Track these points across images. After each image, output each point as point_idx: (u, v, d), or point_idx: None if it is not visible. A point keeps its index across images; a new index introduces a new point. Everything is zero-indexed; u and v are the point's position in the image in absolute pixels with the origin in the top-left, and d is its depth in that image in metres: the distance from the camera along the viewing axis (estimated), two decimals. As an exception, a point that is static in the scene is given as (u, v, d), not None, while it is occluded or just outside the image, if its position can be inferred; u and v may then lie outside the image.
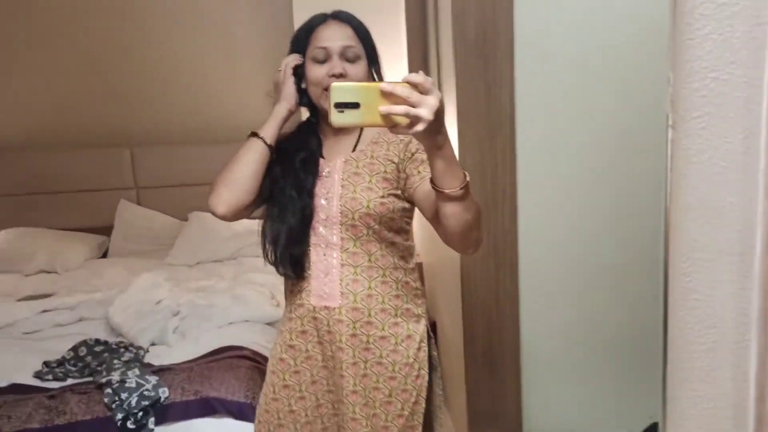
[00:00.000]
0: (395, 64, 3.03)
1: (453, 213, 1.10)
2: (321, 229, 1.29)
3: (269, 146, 1.29)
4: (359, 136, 1.33)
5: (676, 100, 0.55)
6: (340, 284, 1.29)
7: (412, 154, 1.27)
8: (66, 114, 3.36)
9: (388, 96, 0.91)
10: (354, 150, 1.32)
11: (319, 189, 1.30)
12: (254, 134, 1.29)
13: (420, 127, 0.92)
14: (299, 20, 1.38)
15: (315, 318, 1.32)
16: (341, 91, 0.93)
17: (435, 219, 1.19)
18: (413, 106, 0.92)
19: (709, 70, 0.54)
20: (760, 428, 0.62)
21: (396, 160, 1.28)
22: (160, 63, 3.35)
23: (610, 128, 1.88)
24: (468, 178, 1.07)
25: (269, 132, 1.29)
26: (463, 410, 2.10)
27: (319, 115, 1.36)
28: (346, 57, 1.26)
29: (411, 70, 2.81)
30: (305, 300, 1.32)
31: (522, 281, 1.97)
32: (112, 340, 2.16)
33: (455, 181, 1.05)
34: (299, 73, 1.32)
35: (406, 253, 1.34)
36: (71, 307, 2.44)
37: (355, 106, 0.92)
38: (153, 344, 2.18)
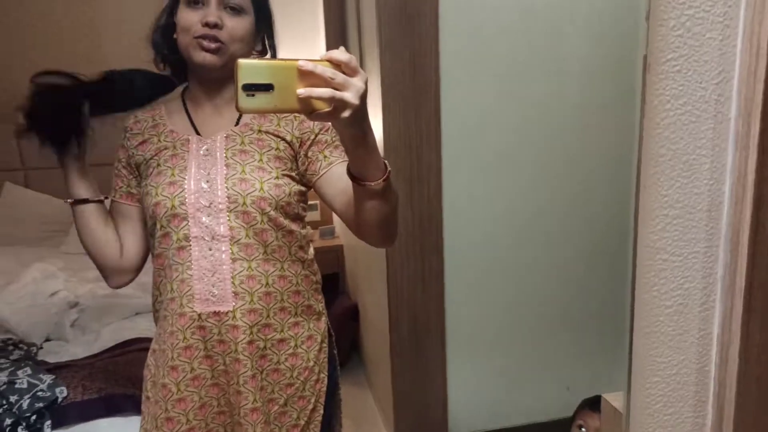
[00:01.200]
0: (311, 37, 2.92)
1: (373, 206, 0.98)
2: (204, 218, 1.08)
3: (84, 200, 1.13)
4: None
5: (652, 40, 0.50)
6: (233, 283, 1.09)
7: (316, 135, 1.13)
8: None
9: (307, 76, 0.78)
10: (237, 123, 1.14)
11: (198, 171, 1.09)
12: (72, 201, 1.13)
13: (345, 113, 0.79)
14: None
15: (201, 328, 1.10)
16: (251, 69, 0.77)
17: (346, 211, 1.07)
18: (336, 89, 0.78)
19: (686, 6, 0.49)
20: (722, 392, 0.59)
21: (289, 137, 1.12)
22: (52, 23, 3.02)
23: (539, 98, 1.88)
24: (389, 168, 0.95)
25: (74, 190, 1.12)
26: (388, 392, 2.06)
27: (187, 75, 1.17)
28: (226, 4, 1.07)
29: (328, 43, 2.70)
30: (187, 307, 1.10)
31: (447, 260, 1.94)
32: (-2, 337, 1.93)
33: (377, 172, 0.93)
34: (166, 25, 1.12)
35: (304, 242, 1.18)
36: (-52, 302, 2.16)
37: (268, 87, 0.77)
38: (48, 340, 1.96)
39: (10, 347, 1.85)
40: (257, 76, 0.77)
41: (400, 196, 1.83)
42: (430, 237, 1.91)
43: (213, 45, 1.06)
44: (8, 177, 3.01)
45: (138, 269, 1.22)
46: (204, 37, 1.06)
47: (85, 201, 1.14)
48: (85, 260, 2.67)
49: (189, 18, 1.07)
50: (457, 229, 1.92)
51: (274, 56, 1.17)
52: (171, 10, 1.12)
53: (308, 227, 1.22)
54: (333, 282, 3.02)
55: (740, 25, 0.49)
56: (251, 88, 0.77)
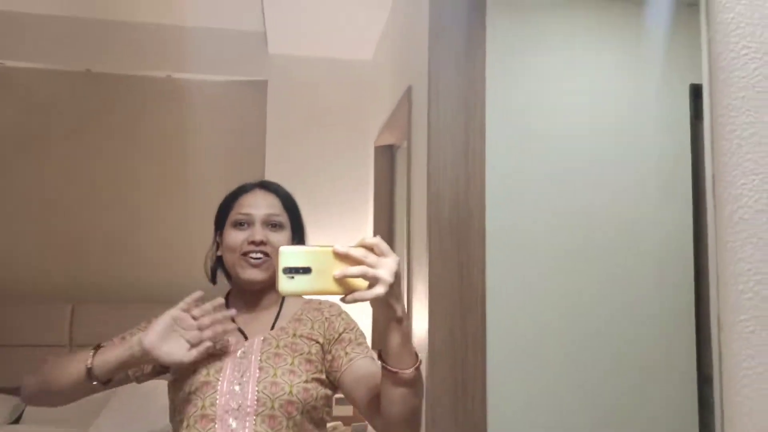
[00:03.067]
0: (360, 233, 3.09)
1: (401, 397, 0.97)
2: (230, 420, 1.07)
3: (95, 380, 1.07)
4: (279, 311, 1.22)
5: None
6: None
7: (339, 335, 1.17)
8: (8, 265, 3.19)
9: (343, 260, 0.85)
10: (273, 327, 1.19)
11: (232, 372, 1.11)
12: (95, 352, 1.09)
13: (380, 289, 0.84)
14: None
15: None
16: (291, 255, 0.85)
17: (369, 405, 1.06)
18: (371, 268, 0.84)
19: (752, 272, 0.53)
20: None
21: (321, 340, 1.16)
22: (116, 219, 3.30)
23: (582, 311, 1.88)
24: (420, 358, 0.97)
25: (104, 367, 1.07)
26: None
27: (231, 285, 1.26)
28: (269, 224, 1.20)
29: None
30: None
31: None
32: None
33: (410, 360, 0.95)
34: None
35: None
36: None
37: (307, 271, 0.84)
38: None
39: None
40: (296, 260, 0.84)
41: (443, 404, 1.78)
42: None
43: (260, 258, 1.17)
44: (52, 353, 3.06)
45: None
46: (251, 253, 1.17)
47: (104, 382, 1.09)
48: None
49: (236, 238, 1.18)
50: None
51: None
52: (216, 239, 1.26)
53: None
54: (363, 487, 2.80)
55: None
56: (291, 272, 0.84)
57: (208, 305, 1.10)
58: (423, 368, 1.18)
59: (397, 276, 0.86)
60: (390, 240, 2.88)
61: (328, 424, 1.20)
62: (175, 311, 1.09)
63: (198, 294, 1.11)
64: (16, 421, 2.88)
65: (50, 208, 3.26)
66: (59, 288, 3.20)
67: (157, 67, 3.23)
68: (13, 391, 2.96)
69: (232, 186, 1.29)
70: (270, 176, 3.15)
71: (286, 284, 0.84)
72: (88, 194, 3.30)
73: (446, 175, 1.87)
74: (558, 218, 1.89)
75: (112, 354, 1.08)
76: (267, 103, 3.19)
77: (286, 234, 1.22)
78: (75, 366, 1.08)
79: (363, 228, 3.08)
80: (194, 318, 1.08)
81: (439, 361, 1.81)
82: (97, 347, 1.11)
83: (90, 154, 3.31)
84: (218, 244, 1.25)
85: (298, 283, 0.84)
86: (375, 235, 2.88)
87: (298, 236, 1.26)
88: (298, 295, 1.14)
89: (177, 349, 1.06)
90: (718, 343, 0.53)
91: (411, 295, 2.14)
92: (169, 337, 1.06)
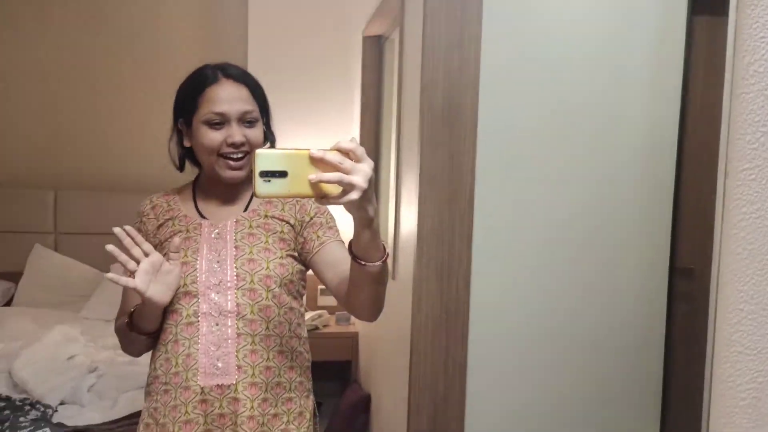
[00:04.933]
0: (345, 129, 3.07)
1: (368, 285, 1.05)
2: (213, 295, 1.16)
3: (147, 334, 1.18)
4: (251, 198, 1.25)
5: (731, 151, 0.57)
6: (237, 356, 1.15)
7: (311, 218, 1.22)
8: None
9: (318, 164, 0.85)
10: (246, 210, 1.24)
11: (209, 252, 1.18)
12: (131, 322, 1.17)
13: (354, 195, 0.86)
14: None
15: (204, 401, 1.14)
16: (267, 158, 0.85)
17: (337, 286, 1.15)
18: (345, 173, 0.85)
19: (760, 124, 0.56)
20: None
21: (292, 221, 1.22)
22: (96, 106, 3.21)
23: (570, 199, 1.94)
24: (388, 251, 1.03)
25: (147, 325, 1.17)
26: (403, 488, 1.98)
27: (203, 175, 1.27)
28: (244, 121, 1.18)
29: (362, 135, 2.84)
30: (192, 381, 1.14)
31: (471, 353, 1.94)
32: (15, 396, 1.91)
33: (377, 253, 1.00)
34: (179, 134, 1.24)
35: (301, 320, 1.25)
36: (-33, 359, 2.16)
37: (283, 174, 0.85)
38: (62, 403, 1.94)
39: (27, 407, 1.83)
40: (273, 164, 0.85)
41: (430, 287, 1.87)
42: (455, 329, 1.92)
43: (241, 162, 1.17)
44: (39, 239, 3.08)
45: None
46: (231, 155, 1.17)
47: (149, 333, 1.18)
48: (103, 327, 2.69)
49: (213, 139, 1.16)
50: (483, 324, 1.93)
51: (273, 145, 1.27)
52: (178, 127, 1.24)
53: (304, 305, 1.28)
54: (345, 370, 2.98)
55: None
56: (267, 175, 0.84)
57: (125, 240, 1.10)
58: (410, 253, 1.22)
59: (371, 181, 0.88)
60: (376, 136, 2.88)
61: (313, 312, 1.27)
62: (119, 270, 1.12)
63: (110, 247, 1.08)
64: (8, 303, 2.95)
65: (28, 97, 3.16)
66: (41, 176, 3.16)
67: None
68: (4, 275, 3.01)
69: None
70: (252, 69, 3.08)
71: (262, 187, 0.85)
72: (63, 83, 3.19)
73: (440, 61, 1.85)
74: (550, 109, 1.91)
75: (139, 316, 1.16)
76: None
77: (259, 127, 1.21)
78: (130, 337, 1.18)
79: (349, 123, 3.06)
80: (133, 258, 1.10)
81: (427, 246, 1.88)
82: (131, 316, 1.17)
83: (61, 42, 3.16)
84: (180, 131, 1.24)
85: (274, 186, 0.85)
86: (360, 132, 2.89)
87: (267, 124, 1.26)
88: (274, 198, 1.17)
89: (155, 292, 1.10)
90: (722, 190, 0.57)
91: (400, 184, 2.18)
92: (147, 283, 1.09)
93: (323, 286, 1.26)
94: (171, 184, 1.31)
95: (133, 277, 1.07)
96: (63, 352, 2.17)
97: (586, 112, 1.94)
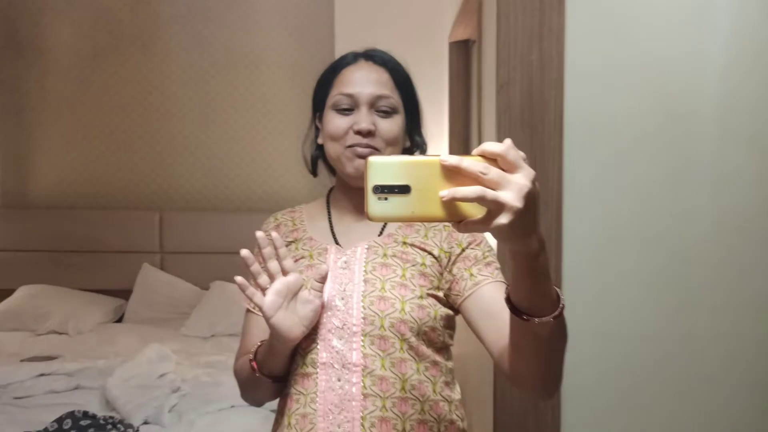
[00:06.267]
0: (435, 141, 2.94)
1: (535, 350, 0.77)
2: (335, 341, 0.93)
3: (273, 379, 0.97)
4: None
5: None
6: (362, 425, 0.90)
7: (463, 250, 0.97)
8: (99, 175, 3.37)
9: (453, 176, 0.62)
10: (381, 234, 1.01)
11: (333, 285, 0.95)
12: (255, 363, 0.97)
13: (503, 219, 0.61)
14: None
15: None
16: (383, 168, 0.63)
17: (498, 343, 0.87)
18: (491, 188, 0.61)
19: None
20: None
21: (436, 251, 0.97)
22: (198, 128, 3.35)
23: (669, 207, 1.67)
24: (563, 302, 0.73)
25: (274, 367, 0.96)
26: None
27: (336, 179, 1.07)
28: (377, 108, 0.97)
29: (451, 145, 2.68)
30: None
31: (567, 382, 1.71)
32: (101, 414, 1.96)
33: (546, 305, 0.72)
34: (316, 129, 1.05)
35: (450, 378, 0.99)
36: (69, 374, 2.29)
37: (404, 190, 0.62)
38: (145, 423, 1.97)
39: (109, 426, 1.87)
40: (391, 176, 0.63)
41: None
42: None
43: (367, 151, 0.96)
44: (147, 258, 3.25)
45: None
46: (357, 145, 0.97)
47: (274, 378, 0.99)
48: (201, 344, 2.75)
49: (338, 125, 0.97)
50: (579, 348, 1.69)
51: (423, 153, 1.05)
52: (316, 124, 1.06)
53: (452, 360, 1.01)
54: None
55: None
56: (384, 191, 0.63)
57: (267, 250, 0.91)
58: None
59: (533, 198, 0.62)
60: (466, 145, 2.71)
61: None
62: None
63: (245, 252, 0.91)
64: (119, 320, 3.13)
65: (128, 119, 3.35)
66: (146, 198, 3.35)
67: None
68: (116, 293, 3.20)
69: (300, 91, 1.12)
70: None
71: (376, 207, 0.63)
72: (163, 104, 3.35)
73: (517, 57, 1.66)
74: (646, 102, 1.64)
75: (267, 356, 0.96)
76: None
77: (398, 120, 0.99)
78: (254, 382, 0.99)
79: (438, 133, 2.92)
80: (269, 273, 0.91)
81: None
82: (255, 353, 0.98)
83: (161, 66, 3.32)
84: (317, 128, 1.05)
85: (393, 206, 0.63)
86: (450, 141, 2.72)
87: (412, 122, 1.04)
88: (391, 221, 0.94)
89: (284, 320, 0.90)
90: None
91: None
92: (278, 312, 0.90)
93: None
94: (274, 205, 1.17)
95: (263, 294, 0.89)
96: (155, 370, 2.22)
97: (695, 111, 1.64)
